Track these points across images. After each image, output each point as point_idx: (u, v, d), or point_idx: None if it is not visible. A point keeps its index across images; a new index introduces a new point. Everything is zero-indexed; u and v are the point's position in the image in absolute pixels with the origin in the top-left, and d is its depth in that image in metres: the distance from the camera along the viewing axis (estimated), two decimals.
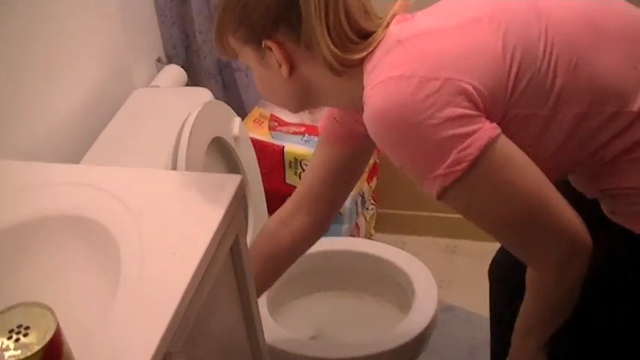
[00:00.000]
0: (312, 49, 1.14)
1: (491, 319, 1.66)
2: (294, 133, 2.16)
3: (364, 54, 1.15)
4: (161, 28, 2.17)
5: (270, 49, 1.17)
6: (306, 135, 2.15)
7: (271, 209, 2.03)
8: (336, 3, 1.12)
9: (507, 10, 1.14)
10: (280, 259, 1.55)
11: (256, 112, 2.24)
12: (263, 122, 2.19)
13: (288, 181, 2.16)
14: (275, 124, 2.19)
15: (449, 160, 1.05)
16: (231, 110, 1.83)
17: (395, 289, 1.92)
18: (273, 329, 1.71)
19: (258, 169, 1.95)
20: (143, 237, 1.07)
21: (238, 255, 1.21)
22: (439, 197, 1.10)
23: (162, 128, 1.66)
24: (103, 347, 0.92)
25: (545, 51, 1.10)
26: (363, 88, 1.13)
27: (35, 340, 0.84)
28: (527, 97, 1.10)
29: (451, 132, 1.04)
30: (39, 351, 0.83)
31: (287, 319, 1.86)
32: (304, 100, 1.27)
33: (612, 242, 1.22)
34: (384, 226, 2.65)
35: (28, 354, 0.83)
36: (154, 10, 2.13)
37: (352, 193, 2.13)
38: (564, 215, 1.11)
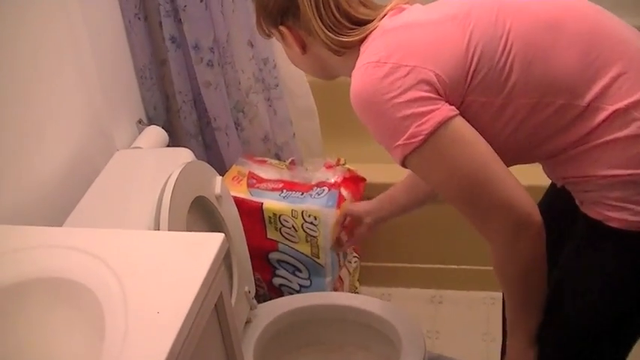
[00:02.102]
0: (312, 34, 1.40)
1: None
2: (273, 189, 2.17)
3: (357, 38, 1.37)
4: (141, 89, 2.19)
5: (284, 33, 1.45)
6: (284, 191, 2.16)
7: (255, 265, 2.04)
8: None
9: (480, 10, 1.31)
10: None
11: (234, 169, 2.25)
12: (241, 180, 2.20)
13: (269, 236, 2.16)
14: (253, 181, 2.20)
15: (408, 133, 1.25)
16: (213, 169, 1.84)
17: (382, 341, 1.92)
18: None
19: (241, 226, 1.95)
20: (127, 297, 1.07)
21: (223, 312, 1.21)
22: (402, 164, 1.31)
23: (144, 189, 1.67)
24: None
25: (504, 49, 1.26)
26: None
27: None
28: (483, 87, 1.27)
29: (411, 110, 1.24)
30: None
31: None
32: (324, 72, 1.53)
33: (581, 232, 1.36)
34: (369, 279, 2.64)
35: None
36: (133, 72, 2.16)
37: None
38: (510, 191, 1.27)
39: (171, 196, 1.54)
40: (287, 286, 2.25)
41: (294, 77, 2.38)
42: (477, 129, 1.29)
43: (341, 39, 1.38)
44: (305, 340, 2.00)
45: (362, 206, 1.95)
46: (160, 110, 2.26)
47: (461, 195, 1.31)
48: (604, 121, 1.24)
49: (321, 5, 1.37)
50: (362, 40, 1.38)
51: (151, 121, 2.22)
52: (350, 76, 1.39)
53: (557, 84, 1.26)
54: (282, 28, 1.45)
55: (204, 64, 2.16)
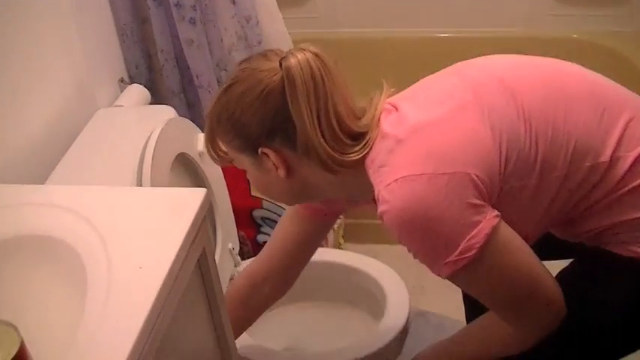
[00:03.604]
0: (309, 153, 1.23)
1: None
2: None
3: (361, 156, 1.24)
4: (122, 48, 2.17)
5: (267, 155, 1.26)
6: None
7: (238, 222, 2.04)
8: (327, 111, 1.21)
9: (485, 95, 1.24)
10: (252, 317, 1.71)
11: None
12: None
13: (253, 193, 2.16)
14: None
15: (459, 249, 1.18)
16: (195, 126, 1.83)
17: (367, 296, 1.93)
18: (246, 341, 1.72)
19: (225, 183, 1.95)
20: (110, 253, 1.07)
21: (206, 268, 1.21)
22: (448, 278, 1.23)
23: (126, 147, 1.66)
24: None
25: (526, 129, 1.22)
26: (365, 184, 1.25)
27: None
28: (517, 172, 1.22)
29: (460, 223, 1.17)
30: None
31: (260, 331, 1.85)
32: (302, 196, 1.39)
33: (602, 265, 1.33)
34: (354, 236, 2.65)
35: None
36: (114, 31, 2.14)
37: None
38: (550, 288, 1.25)
39: (153, 153, 1.54)
40: None
41: (276, 35, 2.36)
42: (516, 212, 1.25)
43: (343, 158, 1.24)
44: (289, 297, 2.00)
45: None
46: (141, 69, 2.24)
47: (507, 298, 1.27)
48: (630, 168, 1.24)
49: (324, 120, 1.21)
50: (365, 156, 1.26)
51: (132, 80, 2.20)
52: (347, 193, 1.38)
53: (580, 149, 1.23)
54: (265, 150, 1.26)
55: (186, 21, 2.13)
